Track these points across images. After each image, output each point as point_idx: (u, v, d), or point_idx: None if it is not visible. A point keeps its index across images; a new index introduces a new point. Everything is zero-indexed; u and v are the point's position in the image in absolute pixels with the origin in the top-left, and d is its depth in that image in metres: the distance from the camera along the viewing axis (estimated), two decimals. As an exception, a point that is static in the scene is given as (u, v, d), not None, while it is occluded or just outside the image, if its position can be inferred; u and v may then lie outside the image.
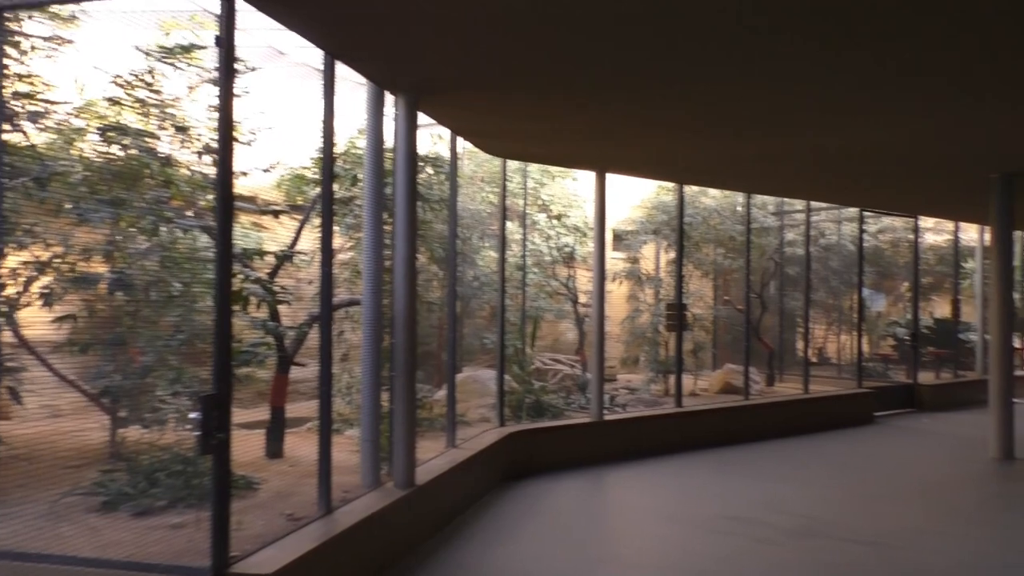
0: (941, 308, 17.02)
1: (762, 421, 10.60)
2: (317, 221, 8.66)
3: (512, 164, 11.25)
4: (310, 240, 7.78)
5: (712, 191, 12.89)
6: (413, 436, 5.84)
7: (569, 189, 12.88)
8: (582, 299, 12.19)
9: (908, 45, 4.94)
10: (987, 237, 13.03)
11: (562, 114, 6.82)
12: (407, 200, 5.78)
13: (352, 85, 6.07)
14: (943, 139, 7.58)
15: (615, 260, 13.70)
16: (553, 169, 12.40)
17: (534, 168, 12.12)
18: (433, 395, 8.55)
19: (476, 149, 8.80)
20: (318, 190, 8.51)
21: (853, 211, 13.23)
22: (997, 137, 7.52)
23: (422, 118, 6.35)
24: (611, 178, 10.90)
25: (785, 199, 13.42)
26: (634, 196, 13.59)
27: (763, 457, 9.38)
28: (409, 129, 5.83)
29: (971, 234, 15.82)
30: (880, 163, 8.87)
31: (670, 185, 11.36)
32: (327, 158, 5.13)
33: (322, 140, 5.11)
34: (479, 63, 5.32)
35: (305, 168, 7.38)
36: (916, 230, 14.44)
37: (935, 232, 17.93)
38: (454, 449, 7.17)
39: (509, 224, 12.03)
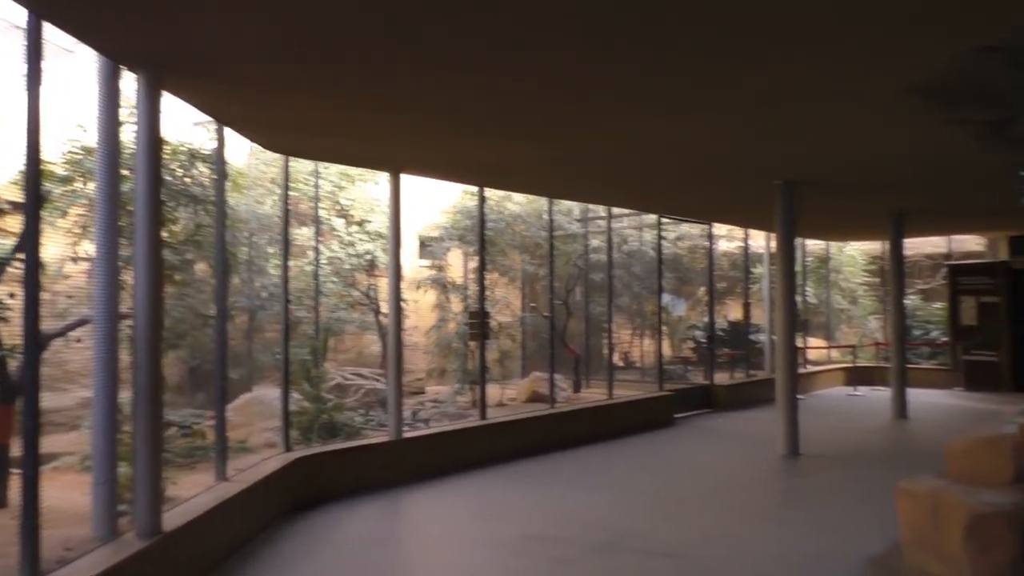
0: (735, 311, 17.95)
1: (568, 429, 10.47)
2: (65, 222, 7.52)
3: (307, 165, 10.45)
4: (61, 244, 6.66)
5: (517, 197, 12.72)
6: (158, 473, 4.95)
7: (371, 194, 12.23)
8: (385, 309, 11.56)
9: (681, 52, 4.83)
10: (772, 244, 13.79)
11: (345, 103, 6.18)
12: (148, 196, 4.90)
13: (89, 58, 5.12)
14: (728, 145, 7.73)
15: (422, 268, 13.20)
16: (352, 171, 11.70)
17: (333, 170, 11.36)
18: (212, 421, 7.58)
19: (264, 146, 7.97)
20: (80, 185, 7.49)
21: (653, 218, 13.57)
22: (779, 145, 7.76)
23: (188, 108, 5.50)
24: (415, 182, 10.39)
25: (589, 205, 13.52)
26: (440, 201, 13.17)
27: (568, 466, 9.19)
28: (151, 113, 4.95)
29: (760, 241, 16.80)
30: (674, 168, 8.97)
31: (475, 189, 11.03)
32: (31, 147, 4.16)
33: (27, 125, 4.15)
34: (235, 33, 4.54)
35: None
36: (711, 237, 15.07)
37: (728, 239, 18.94)
38: (225, 483, 6.30)
39: (304, 230, 11.21)
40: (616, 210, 13.21)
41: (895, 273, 13.09)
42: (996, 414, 12.45)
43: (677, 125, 6.90)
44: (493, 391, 11.41)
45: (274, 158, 9.71)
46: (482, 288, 10.33)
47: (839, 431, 11.45)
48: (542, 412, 10.57)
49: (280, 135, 7.34)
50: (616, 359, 15.15)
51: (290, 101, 6.10)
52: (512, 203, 12.87)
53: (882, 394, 14.94)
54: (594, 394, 12.56)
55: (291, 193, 10.96)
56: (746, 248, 16.32)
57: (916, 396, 13.96)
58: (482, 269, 10.36)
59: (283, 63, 5.10)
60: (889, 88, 5.58)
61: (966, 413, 13.01)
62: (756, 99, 5.96)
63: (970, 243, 18.58)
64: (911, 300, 18.21)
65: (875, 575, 5.21)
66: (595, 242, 14.04)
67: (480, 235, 10.31)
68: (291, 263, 10.65)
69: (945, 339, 17.10)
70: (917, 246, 19.96)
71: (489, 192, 11.65)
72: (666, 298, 15.24)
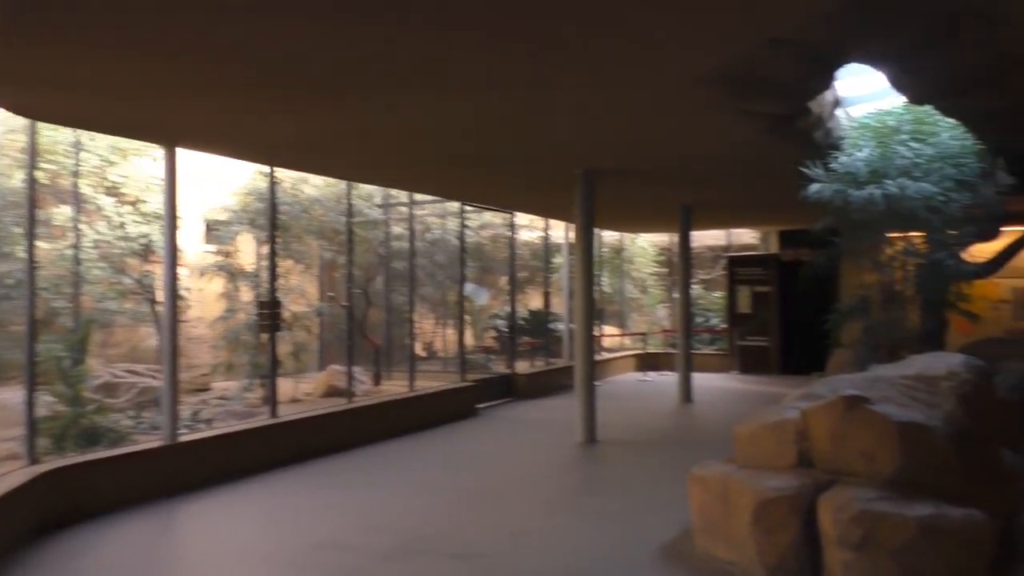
0: (535, 300, 18.23)
1: (367, 424, 9.98)
2: None
3: (68, 135, 9.15)
4: None
5: (315, 180, 11.99)
6: None
7: (148, 171, 10.98)
8: (162, 298, 10.43)
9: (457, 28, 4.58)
10: (572, 235, 14.04)
11: (92, 57, 5.31)
12: None
13: None
14: (522, 131, 7.62)
15: (207, 254, 12.10)
16: (125, 145, 10.42)
17: (102, 143, 10.04)
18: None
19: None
20: None
21: (456, 206, 13.35)
22: (575, 132, 7.76)
23: None
24: (202, 159, 9.42)
25: (390, 191, 13.06)
26: (231, 182, 12.12)
27: (367, 464, 8.73)
28: None
29: (560, 231, 17.14)
30: (470, 152, 8.75)
31: (268, 170, 10.19)
32: None
33: None
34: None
35: None
36: (512, 226, 15.12)
37: (529, 229, 19.20)
38: (-55, 507, 5.26)
39: (65, 208, 9.84)
40: (419, 196, 12.85)
41: (683, 264, 13.81)
42: (771, 396, 13.51)
43: (457, 104, 6.64)
44: (286, 386, 10.67)
45: (25, 124, 8.38)
46: (273, 276, 9.57)
47: (633, 415, 11.86)
48: (339, 407, 10.01)
49: (25, 95, 6.25)
50: (418, 350, 14.83)
51: (31, 51, 5.15)
52: (309, 186, 12.12)
53: (669, 379, 15.79)
54: (395, 386, 12.15)
55: (49, 167, 9.59)
56: (547, 238, 16.58)
57: (699, 380, 14.86)
58: (273, 255, 9.60)
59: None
60: (680, 78, 5.65)
61: (743, 395, 14.00)
62: (546, 82, 5.83)
63: (746, 236, 20.11)
64: (694, 289, 19.45)
65: (667, 562, 5.26)
66: (397, 229, 13.61)
67: (271, 219, 9.54)
68: (47, 246, 9.31)
69: (723, 326, 18.40)
70: (700, 238, 21.36)
71: (285, 174, 10.86)
72: (469, 287, 15.10)
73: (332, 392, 11.13)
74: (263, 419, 8.99)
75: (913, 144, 7.04)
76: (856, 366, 7.84)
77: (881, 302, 7.39)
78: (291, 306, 11.27)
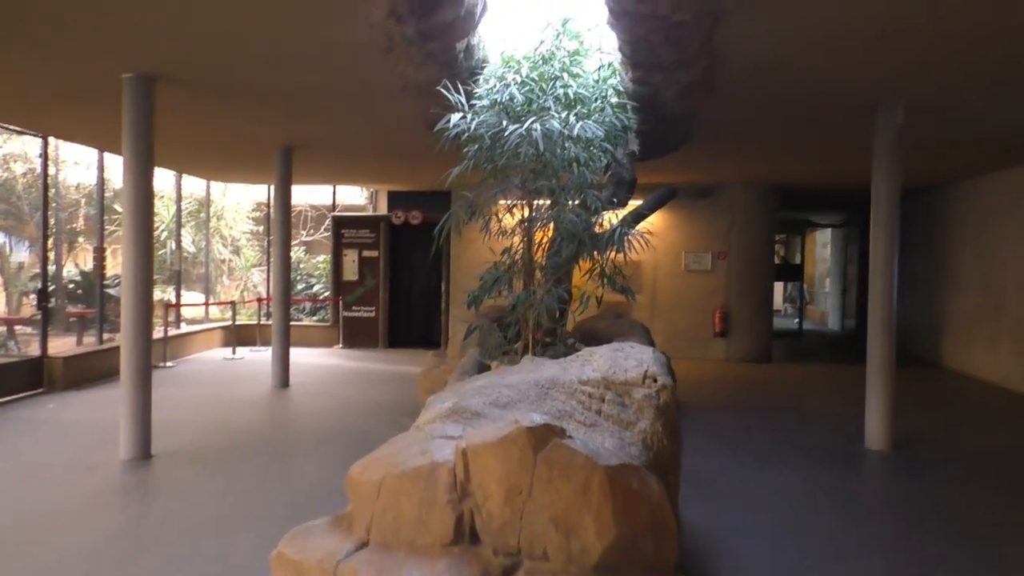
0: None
1: None
2: None
3: None
4: None
5: None
6: None
7: None
8: None
9: None
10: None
11: None
12: None
13: None
14: None
15: None
16: None
17: None
18: None
19: None
20: None
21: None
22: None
23: None
24: None
25: None
26: None
27: None
28: None
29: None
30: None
31: None
32: None
33: None
34: None
35: None
36: (45, 155, 11.15)
37: (86, 166, 15.13)
38: None
39: None
40: None
41: (281, 220, 11.40)
42: (380, 377, 11.88)
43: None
44: None
45: None
46: None
47: (212, 410, 9.24)
48: None
49: None
50: None
51: None
52: None
53: (263, 355, 13.35)
54: None
55: None
56: (101, 178, 12.72)
57: (298, 357, 12.69)
58: None
59: None
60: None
61: (349, 376, 12.13)
62: None
63: (355, 196, 18.33)
64: (295, 253, 17.12)
65: None
66: None
67: None
68: None
69: (327, 294, 16.41)
70: (304, 196, 19.05)
71: None
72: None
73: None
74: None
75: (569, 78, 5.71)
76: (488, 349, 6.35)
77: (522, 273, 5.95)
78: None
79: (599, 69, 6.42)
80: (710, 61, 5.76)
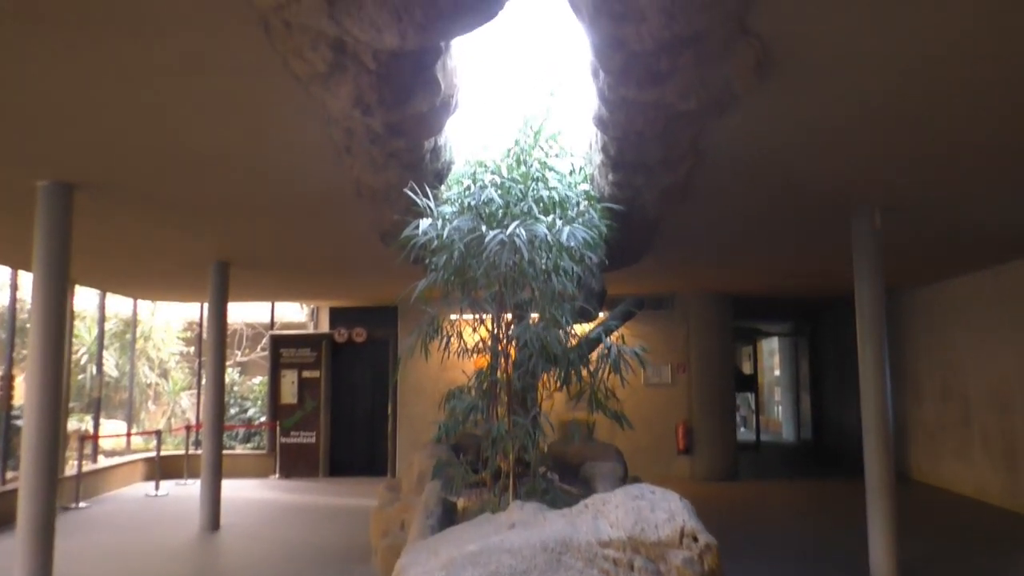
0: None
1: None
2: None
3: None
4: None
5: None
6: None
7: None
8: None
9: None
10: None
11: None
12: None
13: None
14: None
15: None
16: None
17: None
18: None
19: None
20: None
21: None
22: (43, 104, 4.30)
23: None
24: None
25: None
26: None
27: None
28: None
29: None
30: None
31: None
32: None
33: None
34: None
35: None
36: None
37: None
38: None
39: None
40: None
41: (215, 340, 10.42)
42: (321, 512, 10.69)
43: None
44: None
45: None
46: None
47: (126, 562, 7.98)
48: None
49: None
50: None
51: None
52: None
53: (190, 490, 12.02)
54: None
55: None
56: (13, 300, 11.63)
57: (230, 491, 11.42)
58: None
59: None
60: None
61: (287, 513, 10.89)
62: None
63: (293, 313, 17.43)
64: (228, 374, 15.97)
65: None
66: None
67: None
68: None
69: (263, 419, 15.20)
70: (239, 314, 18.03)
71: None
72: None
73: None
74: None
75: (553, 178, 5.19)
76: (453, 484, 5.51)
77: (501, 399, 5.21)
78: None
79: (571, 173, 5.94)
80: (695, 160, 5.34)
